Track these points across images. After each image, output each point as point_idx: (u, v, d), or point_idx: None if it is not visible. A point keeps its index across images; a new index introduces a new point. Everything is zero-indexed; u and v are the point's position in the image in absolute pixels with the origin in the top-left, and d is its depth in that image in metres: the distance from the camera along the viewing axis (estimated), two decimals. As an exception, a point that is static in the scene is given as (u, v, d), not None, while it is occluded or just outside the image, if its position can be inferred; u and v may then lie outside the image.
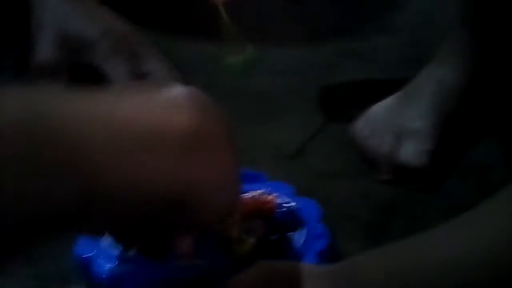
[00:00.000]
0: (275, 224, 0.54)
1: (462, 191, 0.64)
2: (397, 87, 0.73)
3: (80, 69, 0.63)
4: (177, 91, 0.38)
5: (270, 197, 0.56)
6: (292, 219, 0.55)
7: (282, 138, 0.70)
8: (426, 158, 0.63)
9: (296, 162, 0.67)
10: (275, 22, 0.87)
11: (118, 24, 0.64)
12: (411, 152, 0.63)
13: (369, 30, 0.87)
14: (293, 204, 0.56)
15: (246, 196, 0.54)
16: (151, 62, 0.63)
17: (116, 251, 0.51)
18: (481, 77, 0.67)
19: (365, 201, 0.62)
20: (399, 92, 0.68)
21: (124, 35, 0.63)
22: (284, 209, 0.55)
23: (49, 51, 0.63)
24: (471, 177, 0.66)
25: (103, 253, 0.51)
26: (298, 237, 0.54)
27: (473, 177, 0.66)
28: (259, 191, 0.56)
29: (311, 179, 0.65)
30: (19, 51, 0.78)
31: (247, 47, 0.58)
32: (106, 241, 0.51)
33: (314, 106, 0.74)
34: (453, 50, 0.66)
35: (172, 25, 0.86)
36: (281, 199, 0.56)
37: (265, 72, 0.79)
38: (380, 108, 0.68)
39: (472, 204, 0.61)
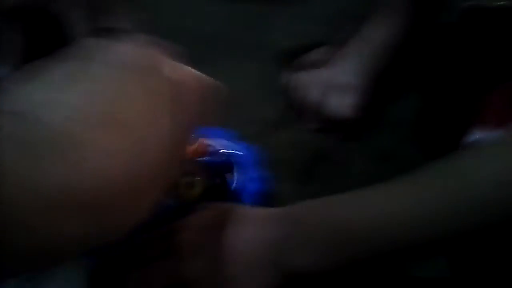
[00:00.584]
0: (215, 168, 0.57)
1: (385, 143, 0.69)
2: (329, 39, 0.77)
3: (39, 15, 0.61)
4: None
5: (202, 140, 0.58)
6: (230, 163, 0.58)
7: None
8: (350, 110, 0.66)
9: (235, 111, 0.68)
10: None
11: None
12: (336, 104, 0.66)
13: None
14: (230, 149, 0.59)
15: None
16: (116, 18, 0.62)
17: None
18: (408, 40, 0.70)
19: (292, 147, 0.66)
20: (330, 46, 0.71)
21: None
22: (222, 154, 0.58)
23: None
24: (387, 128, 0.70)
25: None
26: (235, 181, 0.57)
27: (389, 128, 0.71)
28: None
29: (249, 127, 0.67)
30: None
31: None
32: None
33: (246, 52, 0.76)
34: (383, 10, 0.69)
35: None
36: (219, 143, 0.59)
37: (195, 18, 0.81)
38: (311, 60, 0.71)
39: (388, 153, 0.68)
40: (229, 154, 0.58)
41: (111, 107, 0.34)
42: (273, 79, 0.72)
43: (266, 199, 0.57)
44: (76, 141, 0.31)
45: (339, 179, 0.64)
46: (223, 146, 0.59)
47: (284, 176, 0.63)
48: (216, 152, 0.58)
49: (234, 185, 0.56)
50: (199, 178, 0.53)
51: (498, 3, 0.70)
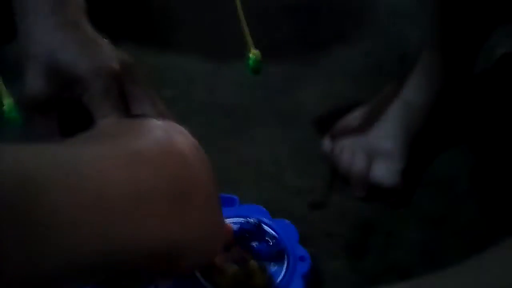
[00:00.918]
0: (254, 251, 0.53)
1: (430, 204, 0.66)
2: (360, 97, 0.76)
3: (72, 104, 0.60)
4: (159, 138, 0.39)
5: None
6: (271, 247, 0.54)
7: (253, 153, 0.70)
8: (397, 178, 0.65)
9: (269, 179, 0.67)
10: (236, 35, 0.88)
11: (112, 59, 0.59)
12: (383, 172, 0.64)
13: (330, 41, 0.89)
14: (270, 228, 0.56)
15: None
16: (144, 105, 0.61)
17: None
18: (446, 98, 0.69)
19: (341, 219, 0.63)
20: (367, 108, 0.69)
21: (117, 73, 0.58)
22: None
23: (39, 85, 0.58)
24: (438, 190, 0.68)
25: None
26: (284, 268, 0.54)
27: (440, 189, 0.68)
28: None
29: (285, 197, 0.65)
30: None
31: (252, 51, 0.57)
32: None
33: (282, 119, 0.75)
34: (420, 72, 0.68)
35: (138, 32, 0.85)
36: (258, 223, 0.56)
37: (229, 85, 0.79)
38: (349, 125, 0.69)
39: (443, 216, 0.65)
40: (271, 238, 0.55)
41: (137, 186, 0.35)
42: (311, 146, 0.70)
43: (314, 279, 0.54)
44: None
45: (393, 251, 0.60)
46: (264, 226, 0.56)
47: (334, 253, 0.60)
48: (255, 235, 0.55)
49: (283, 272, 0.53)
50: (233, 263, 0.50)
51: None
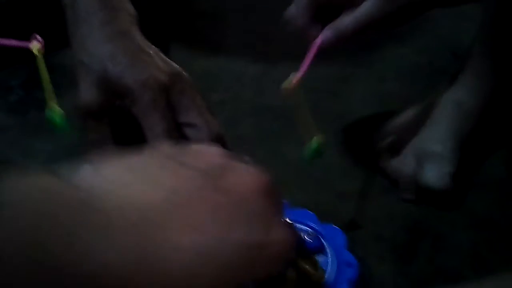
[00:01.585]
0: (307, 255, 0.54)
1: (480, 207, 0.65)
2: (411, 97, 0.75)
3: (124, 111, 0.62)
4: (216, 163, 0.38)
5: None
6: (319, 248, 0.55)
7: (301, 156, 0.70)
8: (447, 180, 0.63)
9: (317, 182, 0.67)
10: (283, 37, 0.88)
11: (160, 69, 0.61)
12: (434, 174, 0.63)
13: (380, 39, 0.88)
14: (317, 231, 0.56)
15: None
16: (190, 114, 0.62)
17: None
18: (498, 99, 0.67)
19: (390, 221, 0.63)
20: (418, 109, 0.68)
21: (164, 85, 0.60)
22: (310, 239, 0.55)
23: (91, 94, 0.61)
24: (488, 192, 0.67)
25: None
26: (327, 267, 0.54)
27: (490, 191, 0.67)
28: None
29: (333, 199, 0.65)
30: (26, 71, 0.78)
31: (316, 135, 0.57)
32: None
33: (331, 120, 0.74)
34: (471, 73, 0.67)
35: (188, 36, 0.87)
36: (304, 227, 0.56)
37: (278, 87, 0.79)
38: (400, 126, 0.68)
39: (493, 219, 0.64)
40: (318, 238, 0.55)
41: (187, 206, 0.35)
42: (360, 148, 0.70)
43: (363, 284, 0.54)
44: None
45: (443, 255, 0.59)
46: (309, 230, 0.56)
47: (382, 256, 0.59)
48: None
49: (327, 275, 0.53)
50: (291, 269, 0.51)
51: None
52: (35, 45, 0.51)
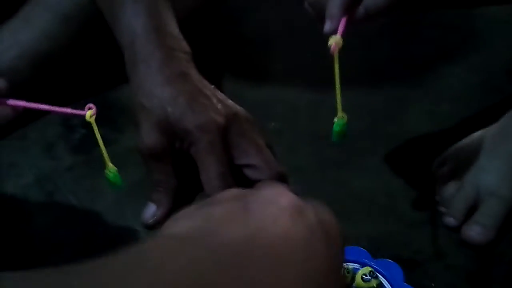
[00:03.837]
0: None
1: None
2: (469, 118, 0.74)
3: (184, 155, 0.63)
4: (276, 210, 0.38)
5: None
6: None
7: (364, 183, 0.69)
8: (489, 236, 0.61)
9: (383, 211, 0.66)
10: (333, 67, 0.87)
11: (218, 112, 0.62)
12: (477, 229, 0.61)
13: (433, 58, 0.87)
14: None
15: None
16: (249, 155, 0.63)
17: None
18: None
19: (460, 249, 0.62)
20: (481, 135, 0.66)
21: (222, 127, 0.61)
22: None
23: (153, 136, 0.62)
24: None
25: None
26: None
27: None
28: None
29: (401, 229, 0.64)
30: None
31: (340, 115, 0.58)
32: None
33: (390, 145, 0.74)
34: None
35: (238, 66, 0.87)
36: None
37: (334, 114, 0.79)
38: (460, 152, 0.67)
39: None
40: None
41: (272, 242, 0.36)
42: (424, 173, 0.68)
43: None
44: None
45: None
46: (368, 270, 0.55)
47: (455, 284, 0.58)
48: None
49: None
50: None
51: None
52: (89, 113, 0.53)
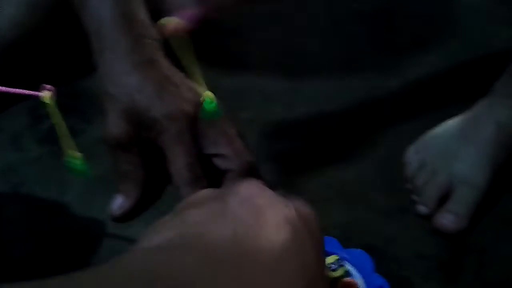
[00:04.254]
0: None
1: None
2: (446, 106, 0.74)
3: (151, 144, 0.62)
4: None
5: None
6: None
7: (337, 173, 0.68)
8: (462, 224, 0.61)
9: (356, 200, 0.65)
10: (309, 52, 0.86)
11: (187, 100, 0.60)
12: (450, 217, 0.61)
13: (409, 47, 0.86)
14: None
15: None
16: (218, 145, 0.61)
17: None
18: None
19: (433, 238, 0.61)
20: (455, 123, 0.66)
21: (191, 116, 0.60)
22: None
23: (119, 126, 0.60)
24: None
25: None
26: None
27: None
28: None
29: (373, 218, 0.64)
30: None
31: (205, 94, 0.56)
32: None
33: (366, 135, 0.73)
34: (510, 84, 0.64)
35: (212, 55, 0.86)
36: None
37: (308, 103, 0.78)
38: (433, 140, 0.66)
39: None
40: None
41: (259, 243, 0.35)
42: (399, 163, 0.68)
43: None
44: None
45: (489, 270, 0.58)
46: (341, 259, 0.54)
47: (427, 275, 0.58)
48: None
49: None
50: None
51: None
52: (46, 94, 0.50)
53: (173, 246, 0.34)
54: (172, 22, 0.51)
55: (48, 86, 0.51)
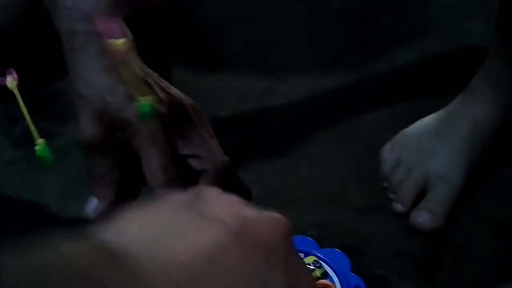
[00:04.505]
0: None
1: (503, 216, 0.63)
2: (421, 105, 0.74)
3: (125, 146, 0.61)
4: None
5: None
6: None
7: (313, 172, 0.68)
8: (438, 222, 0.61)
9: (332, 198, 0.65)
10: (286, 52, 0.86)
11: (160, 101, 0.59)
12: (426, 215, 0.61)
13: (385, 44, 0.86)
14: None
15: None
16: (193, 145, 0.61)
17: None
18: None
19: (409, 236, 0.61)
20: (430, 121, 0.66)
21: (164, 117, 0.59)
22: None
23: (92, 128, 0.59)
24: (509, 200, 0.65)
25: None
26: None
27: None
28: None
29: (350, 216, 0.63)
30: (29, 101, 0.77)
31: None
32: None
33: (341, 133, 0.73)
34: (487, 83, 0.64)
35: (189, 54, 0.85)
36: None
37: (285, 102, 0.78)
38: (408, 138, 0.66)
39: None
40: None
41: (217, 258, 0.33)
42: (375, 161, 0.67)
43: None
44: None
45: (466, 267, 0.58)
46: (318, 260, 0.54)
47: (404, 272, 0.58)
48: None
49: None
50: None
51: None
52: (10, 82, 0.49)
53: (140, 251, 0.33)
54: (119, 44, 0.51)
55: (11, 69, 0.49)
